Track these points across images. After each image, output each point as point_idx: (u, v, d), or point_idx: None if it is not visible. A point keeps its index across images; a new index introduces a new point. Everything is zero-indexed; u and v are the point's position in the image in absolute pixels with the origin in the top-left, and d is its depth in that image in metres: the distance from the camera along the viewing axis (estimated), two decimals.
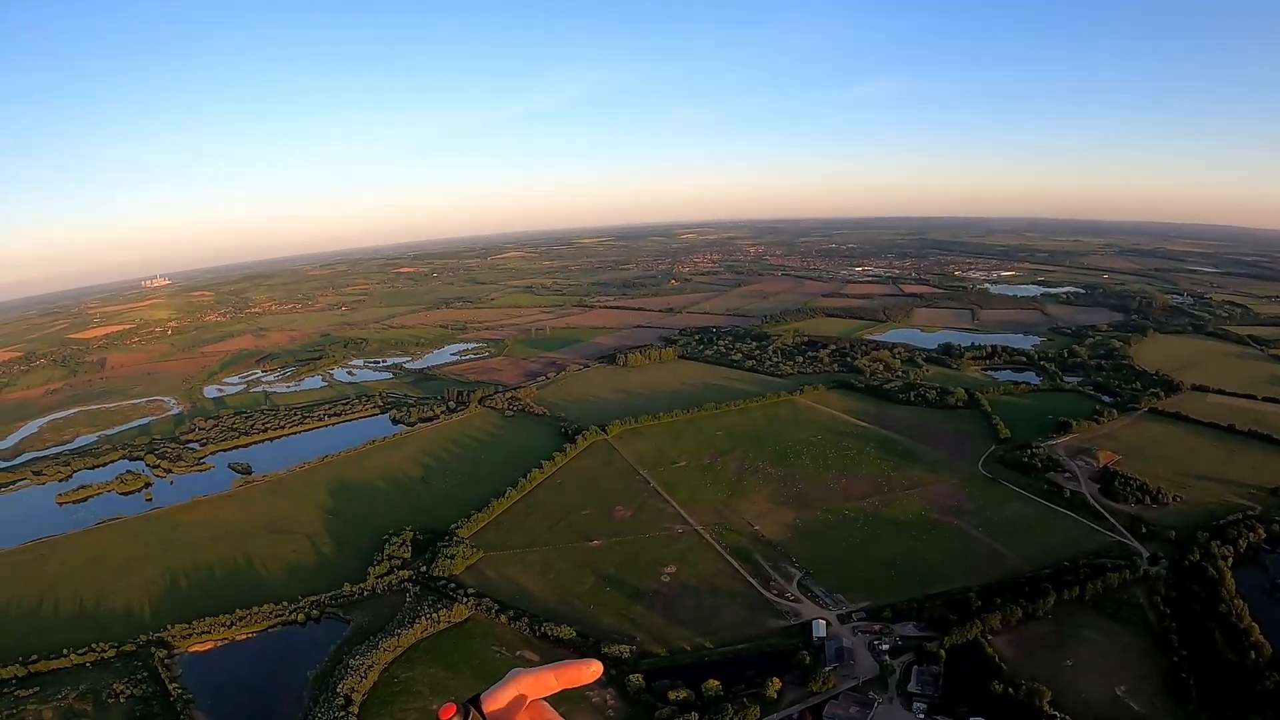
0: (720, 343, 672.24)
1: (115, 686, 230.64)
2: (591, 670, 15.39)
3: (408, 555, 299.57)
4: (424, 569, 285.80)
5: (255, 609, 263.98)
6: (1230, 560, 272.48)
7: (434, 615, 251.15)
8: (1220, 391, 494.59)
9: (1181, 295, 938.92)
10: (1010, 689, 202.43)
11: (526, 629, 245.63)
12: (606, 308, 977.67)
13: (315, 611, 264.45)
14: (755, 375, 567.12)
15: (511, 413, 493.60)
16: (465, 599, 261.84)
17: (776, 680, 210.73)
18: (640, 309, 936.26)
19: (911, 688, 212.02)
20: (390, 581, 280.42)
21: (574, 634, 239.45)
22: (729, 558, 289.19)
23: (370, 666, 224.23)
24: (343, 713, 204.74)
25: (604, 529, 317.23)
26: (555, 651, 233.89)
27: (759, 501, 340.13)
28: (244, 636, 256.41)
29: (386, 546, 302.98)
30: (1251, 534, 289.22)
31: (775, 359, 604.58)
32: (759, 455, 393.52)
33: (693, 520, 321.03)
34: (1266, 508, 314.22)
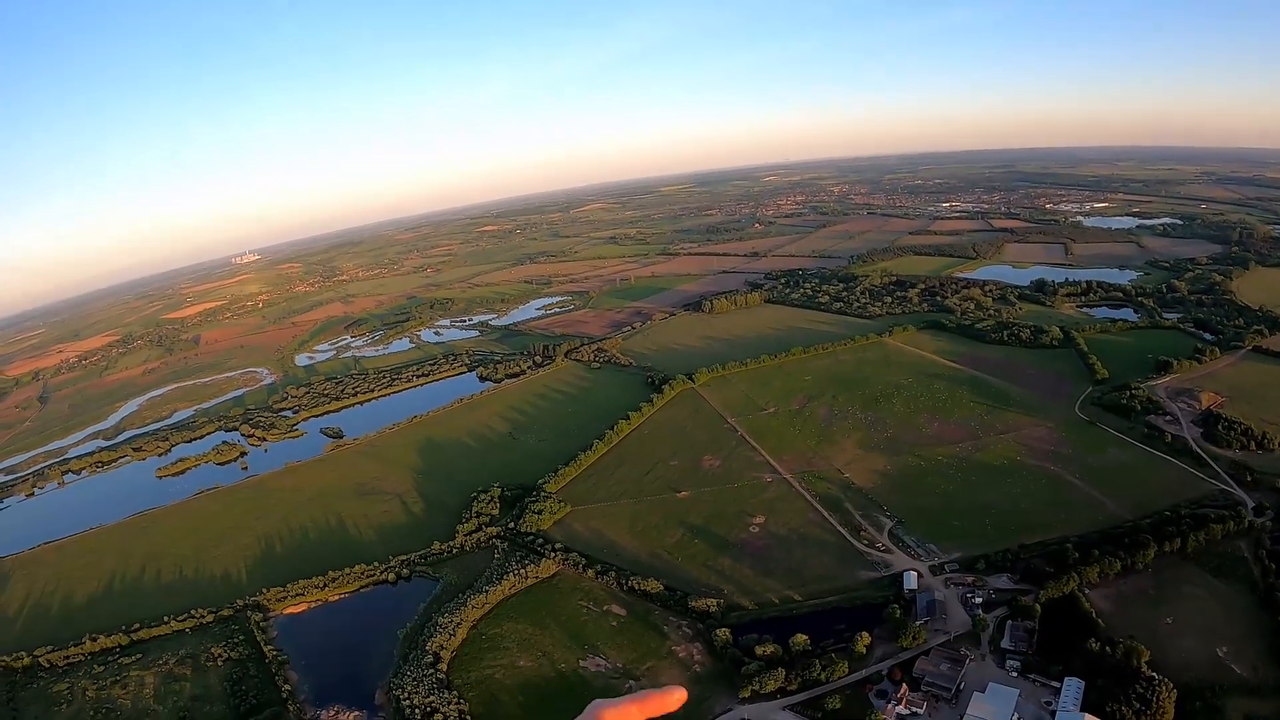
0: (806, 285, 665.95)
1: (214, 650, 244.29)
2: (676, 698, 14.95)
3: (496, 512, 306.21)
4: (512, 525, 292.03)
5: (347, 570, 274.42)
6: None
7: (521, 571, 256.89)
8: None
9: None
10: (1107, 647, 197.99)
11: (614, 583, 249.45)
12: (690, 255, 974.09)
13: (405, 571, 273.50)
14: (843, 317, 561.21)
15: (598, 364, 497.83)
16: (552, 554, 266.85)
17: (866, 635, 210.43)
18: (724, 254, 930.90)
19: (1005, 644, 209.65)
20: (479, 539, 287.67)
21: (661, 587, 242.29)
22: (818, 507, 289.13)
23: (459, 624, 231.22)
24: (431, 669, 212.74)
25: (692, 479, 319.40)
26: (642, 605, 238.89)
27: (849, 448, 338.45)
28: (336, 597, 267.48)
29: (475, 504, 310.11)
30: None
31: (863, 300, 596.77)
32: (848, 400, 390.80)
33: (781, 468, 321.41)
34: None
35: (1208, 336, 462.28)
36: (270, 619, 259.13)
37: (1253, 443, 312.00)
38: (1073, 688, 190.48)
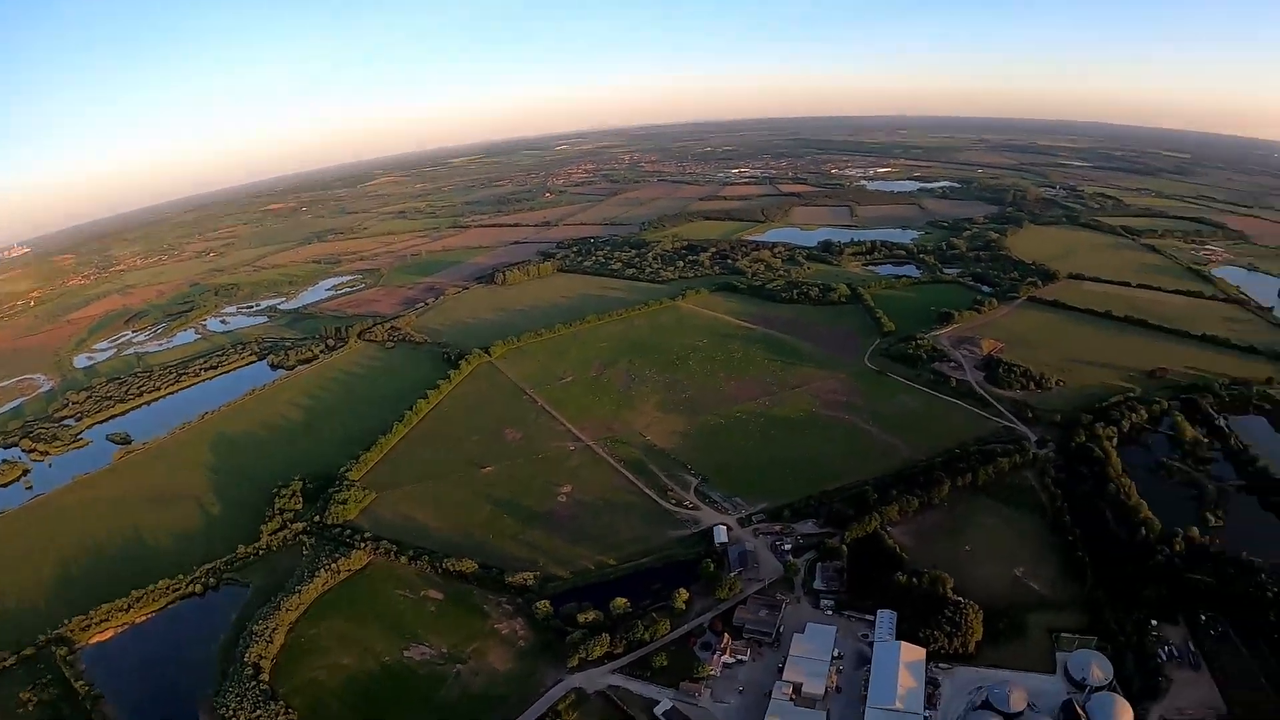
0: (599, 253, 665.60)
1: (21, 696, 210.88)
2: None
3: (299, 507, 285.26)
4: (317, 519, 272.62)
5: (151, 587, 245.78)
6: (1115, 440, 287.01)
7: (333, 566, 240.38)
8: (1096, 279, 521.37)
9: (1054, 188, 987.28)
10: (913, 579, 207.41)
11: (428, 567, 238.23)
12: (482, 226, 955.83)
13: (212, 580, 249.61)
14: (636, 283, 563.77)
15: (392, 343, 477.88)
16: (363, 544, 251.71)
17: (684, 591, 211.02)
18: (516, 225, 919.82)
19: (817, 585, 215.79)
20: (285, 537, 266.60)
21: (476, 567, 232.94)
22: (624, 471, 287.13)
23: (275, 629, 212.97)
24: (253, 682, 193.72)
25: (496, 453, 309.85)
26: (459, 586, 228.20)
27: (649, 411, 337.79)
28: (144, 618, 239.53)
29: (277, 500, 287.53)
30: (1133, 415, 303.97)
31: (655, 265, 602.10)
32: (645, 364, 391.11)
33: (584, 436, 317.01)
34: (1145, 389, 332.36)
35: (986, 289, 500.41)
36: (77, 651, 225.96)
37: (1031, 383, 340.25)
38: (886, 619, 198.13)
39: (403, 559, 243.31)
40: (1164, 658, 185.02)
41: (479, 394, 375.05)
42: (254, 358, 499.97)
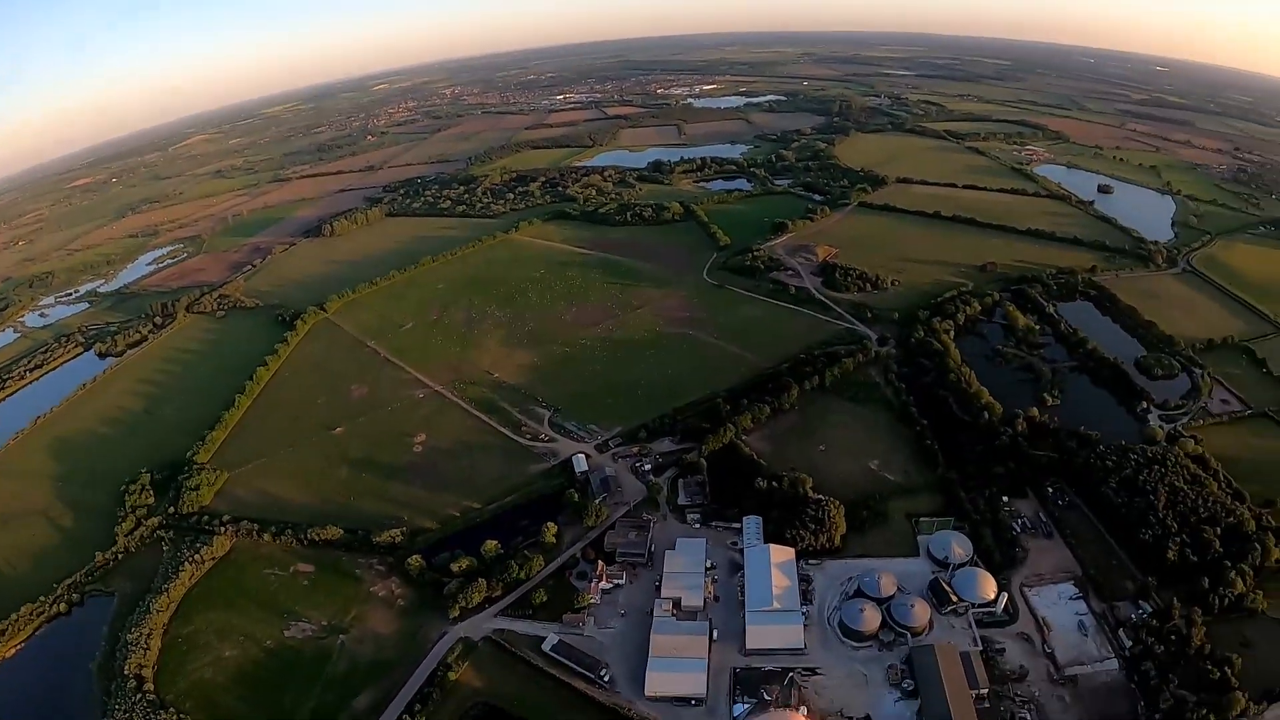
0: (427, 193, 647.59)
1: None
2: None
3: (151, 501, 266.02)
4: (172, 510, 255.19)
5: (14, 617, 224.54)
6: (952, 333, 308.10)
7: (196, 557, 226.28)
8: (924, 182, 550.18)
9: (879, 97, 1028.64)
10: (774, 482, 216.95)
11: (293, 540, 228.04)
12: (304, 178, 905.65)
13: (76, 595, 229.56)
14: (468, 220, 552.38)
15: (223, 312, 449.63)
16: (223, 529, 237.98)
17: (552, 525, 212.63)
18: (339, 172, 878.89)
19: (681, 500, 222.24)
20: (141, 535, 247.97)
21: (341, 532, 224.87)
22: (476, 412, 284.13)
23: (150, 634, 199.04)
24: (139, 695, 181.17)
25: (344, 413, 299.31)
26: (328, 555, 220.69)
27: (493, 348, 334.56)
28: (13, 651, 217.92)
29: (127, 498, 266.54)
30: (967, 308, 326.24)
31: (486, 200, 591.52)
32: (485, 301, 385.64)
33: (431, 382, 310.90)
34: (977, 283, 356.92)
35: (817, 197, 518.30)
36: None
37: (868, 285, 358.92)
38: (752, 524, 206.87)
39: (266, 536, 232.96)
40: (1018, 530, 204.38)
41: (319, 353, 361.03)
42: (79, 349, 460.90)
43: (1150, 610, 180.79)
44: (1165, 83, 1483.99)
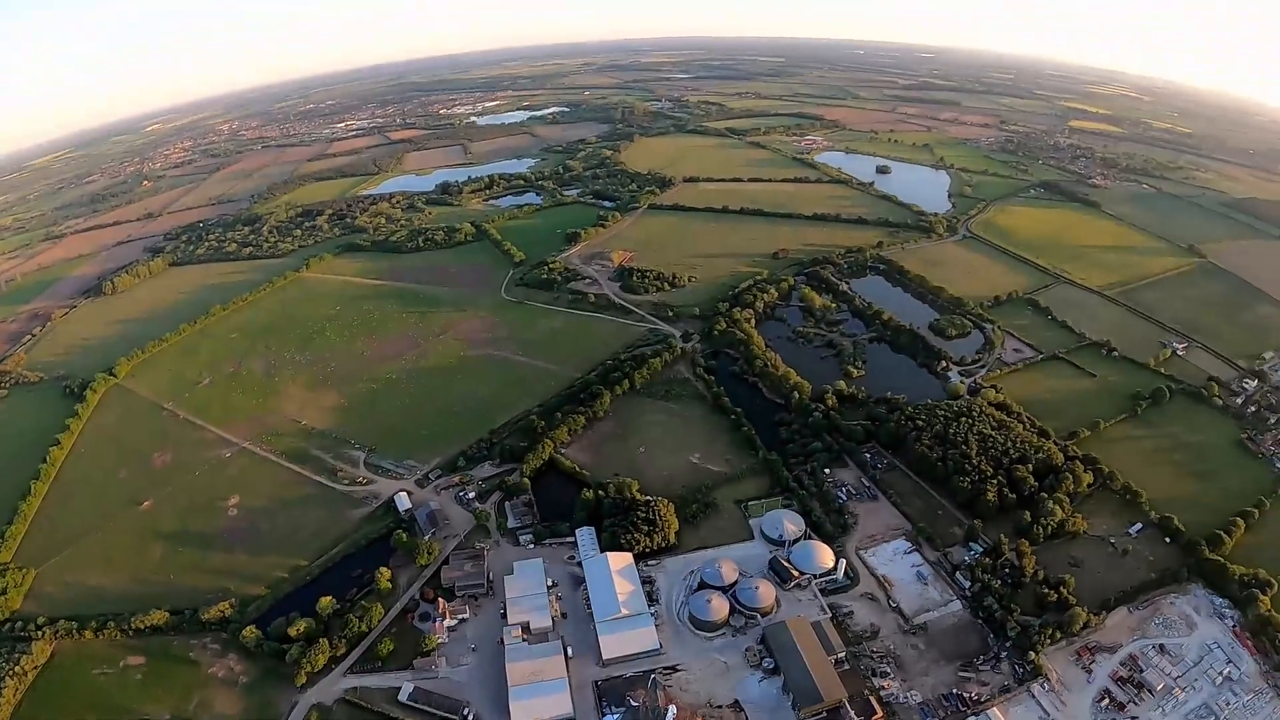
0: (211, 237, 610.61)
1: None
2: None
3: None
4: None
5: None
6: (753, 321, 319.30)
7: (16, 670, 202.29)
8: (710, 179, 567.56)
9: (660, 101, 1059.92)
10: (600, 491, 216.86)
11: (118, 633, 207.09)
12: (79, 232, 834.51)
13: None
14: (256, 261, 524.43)
15: (4, 391, 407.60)
16: (40, 633, 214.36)
17: (385, 570, 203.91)
18: (117, 223, 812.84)
19: (511, 523, 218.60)
20: None
21: (167, 615, 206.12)
22: (288, 464, 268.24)
23: None
24: None
25: (150, 484, 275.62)
26: (158, 642, 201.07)
27: (297, 394, 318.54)
28: None
29: None
30: (765, 295, 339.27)
31: (273, 239, 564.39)
32: (283, 345, 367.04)
33: (237, 439, 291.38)
34: (772, 271, 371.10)
35: (608, 204, 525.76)
36: None
37: (666, 284, 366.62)
38: (586, 535, 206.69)
39: (88, 634, 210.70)
40: (844, 498, 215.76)
41: (115, 423, 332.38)
42: None
43: (981, 550, 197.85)
44: (932, 68, 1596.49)
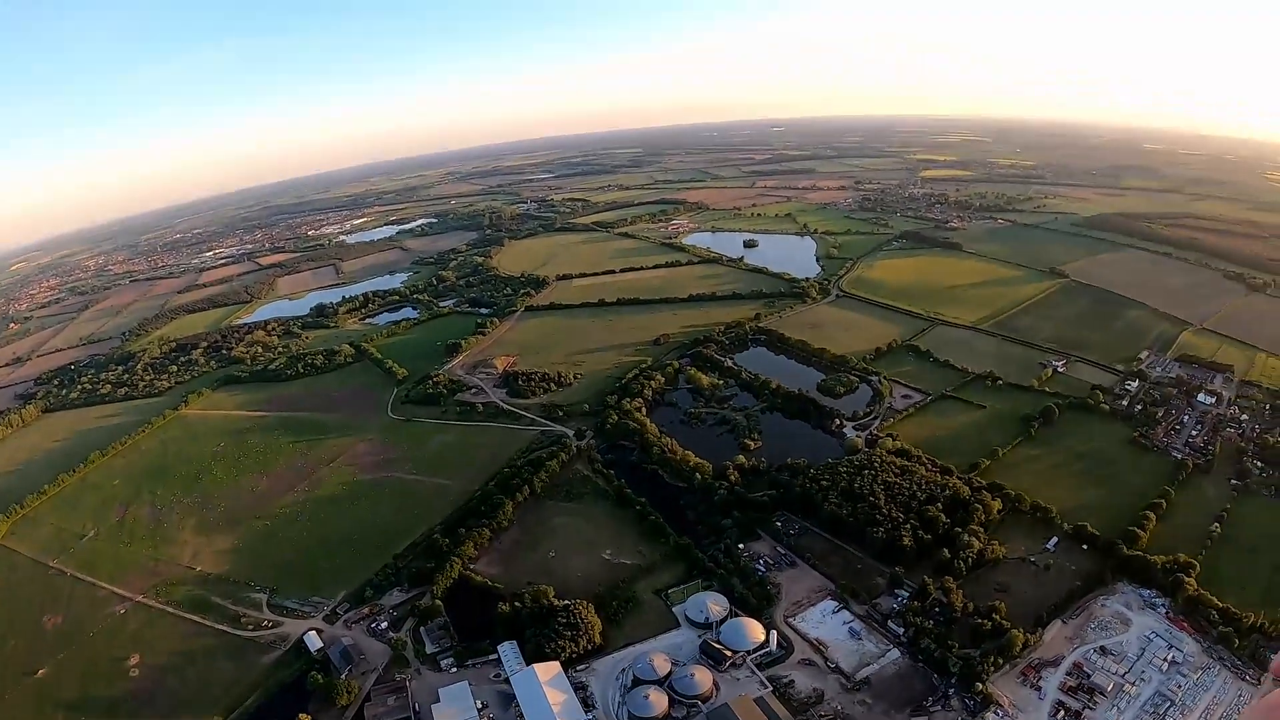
0: (83, 379, 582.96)
1: None
2: None
3: None
4: None
5: None
6: (644, 409, 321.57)
7: None
8: (583, 274, 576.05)
9: (526, 203, 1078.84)
10: (516, 603, 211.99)
11: None
12: None
13: None
14: (132, 403, 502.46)
15: None
16: None
17: (305, 716, 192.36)
18: None
19: (430, 649, 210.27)
20: None
21: None
22: (188, 615, 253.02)
23: None
24: None
25: (43, 650, 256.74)
26: None
27: (189, 539, 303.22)
28: None
29: None
30: (652, 382, 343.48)
31: (148, 377, 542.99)
32: (169, 489, 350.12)
33: (130, 593, 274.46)
34: (656, 357, 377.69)
35: (485, 310, 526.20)
36: None
37: (552, 384, 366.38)
38: (509, 650, 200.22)
39: None
40: (763, 569, 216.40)
41: None
42: None
43: (908, 595, 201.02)
44: (784, 141, 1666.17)
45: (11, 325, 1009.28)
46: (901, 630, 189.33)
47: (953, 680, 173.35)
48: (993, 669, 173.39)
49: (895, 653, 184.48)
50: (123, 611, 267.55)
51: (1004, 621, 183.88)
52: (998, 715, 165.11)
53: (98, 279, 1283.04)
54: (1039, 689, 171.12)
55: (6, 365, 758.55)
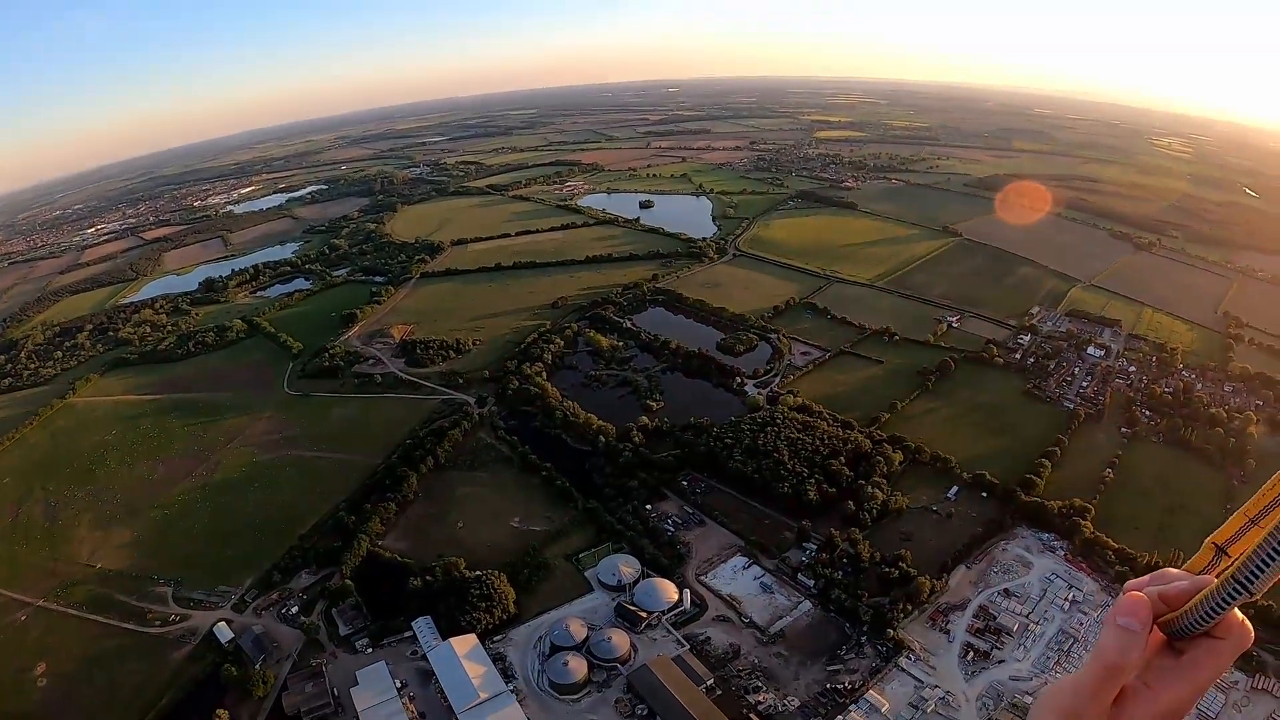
0: None
1: None
2: None
3: None
4: None
5: None
6: (545, 374, 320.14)
7: None
8: (478, 239, 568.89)
9: (419, 167, 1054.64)
10: (427, 577, 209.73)
11: None
12: None
13: None
14: (17, 394, 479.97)
15: None
16: None
17: (222, 711, 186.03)
18: None
19: (343, 630, 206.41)
20: None
21: None
22: (91, 616, 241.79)
23: None
24: None
25: None
26: None
27: (86, 535, 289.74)
28: None
29: None
30: (551, 346, 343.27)
31: (32, 365, 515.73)
32: (61, 484, 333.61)
33: (29, 597, 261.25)
34: (554, 320, 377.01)
35: (379, 279, 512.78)
36: None
37: (451, 351, 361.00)
38: (423, 626, 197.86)
39: None
40: (672, 529, 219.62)
41: None
42: None
43: (816, 547, 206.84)
44: (678, 101, 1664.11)
45: None
46: (812, 583, 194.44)
47: (864, 628, 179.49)
48: (902, 615, 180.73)
49: (807, 604, 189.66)
50: (24, 619, 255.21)
51: (910, 569, 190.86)
52: (910, 659, 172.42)
53: None
54: (948, 632, 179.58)
55: None
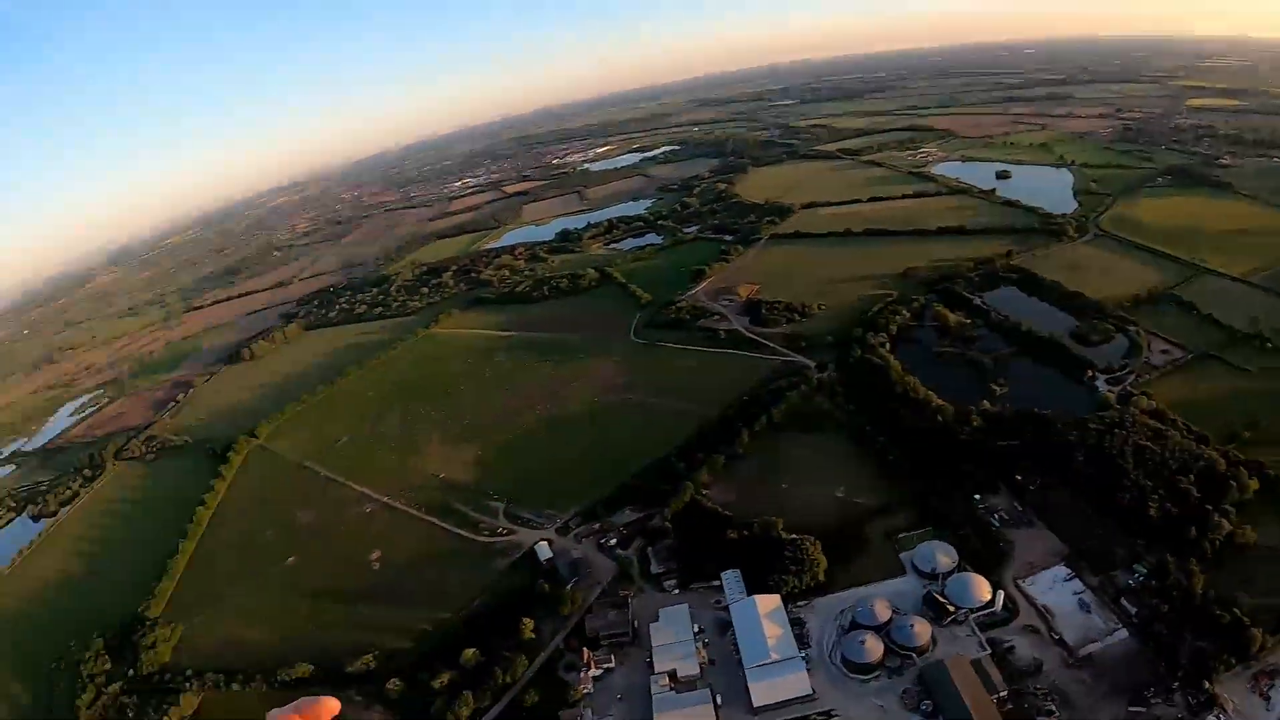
0: (341, 300, 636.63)
1: None
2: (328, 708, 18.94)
3: (109, 667, 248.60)
4: (131, 673, 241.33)
5: None
6: (888, 345, 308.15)
7: None
8: (829, 203, 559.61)
9: (769, 129, 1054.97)
10: (745, 531, 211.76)
11: (264, 686, 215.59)
12: (217, 303, 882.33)
13: None
14: (386, 321, 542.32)
15: (153, 455, 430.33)
16: (188, 685, 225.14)
17: (528, 620, 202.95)
18: (251, 293, 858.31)
19: (654, 569, 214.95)
20: (104, 704, 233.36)
21: (312, 668, 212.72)
22: (429, 518, 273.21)
23: None
24: None
25: (295, 541, 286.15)
26: (303, 695, 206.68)
27: (434, 449, 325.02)
28: None
29: (83, 667, 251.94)
30: (897, 317, 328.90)
31: (401, 298, 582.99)
32: (418, 402, 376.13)
33: (378, 494, 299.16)
34: (902, 291, 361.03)
35: (729, 238, 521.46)
36: None
37: (795, 314, 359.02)
38: (732, 579, 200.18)
39: (234, 687, 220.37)
40: (998, 525, 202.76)
41: (258, 483, 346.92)
42: (12, 513, 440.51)
43: (1146, 572, 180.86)
44: (1036, 63, 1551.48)
45: (275, 253, 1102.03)
46: (1134, 610, 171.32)
47: (1179, 673, 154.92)
48: (1223, 668, 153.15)
49: (1123, 633, 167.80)
50: (370, 511, 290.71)
51: (1244, 617, 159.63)
52: (1218, 718, 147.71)
53: (353, 210, 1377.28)
54: (1267, 699, 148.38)
55: (271, 289, 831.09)
